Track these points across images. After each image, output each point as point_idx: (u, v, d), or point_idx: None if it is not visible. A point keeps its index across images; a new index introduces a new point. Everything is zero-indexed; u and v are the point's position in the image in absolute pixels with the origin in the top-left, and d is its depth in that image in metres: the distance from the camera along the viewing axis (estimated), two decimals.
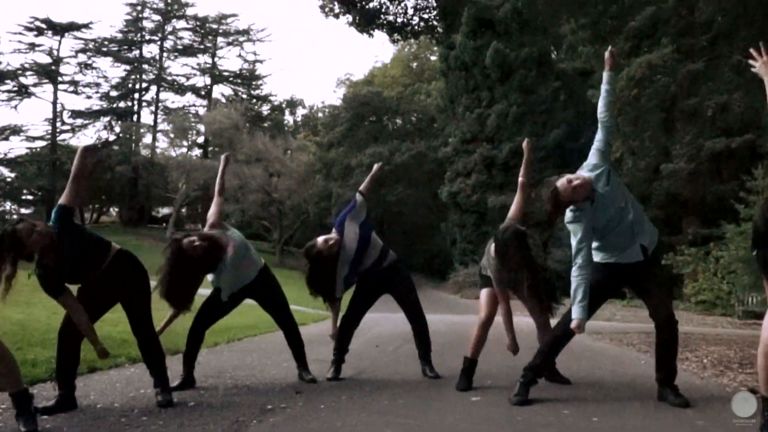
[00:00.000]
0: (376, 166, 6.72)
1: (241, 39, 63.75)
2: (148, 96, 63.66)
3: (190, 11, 62.93)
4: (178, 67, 76.11)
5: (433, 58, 57.91)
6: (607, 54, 5.20)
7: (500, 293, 5.51)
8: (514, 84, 37.39)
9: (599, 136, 5.10)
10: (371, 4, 16.65)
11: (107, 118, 59.94)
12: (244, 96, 64.33)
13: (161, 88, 63.41)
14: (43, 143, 56.50)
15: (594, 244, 5.00)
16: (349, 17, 17.02)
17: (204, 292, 5.86)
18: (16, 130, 54.31)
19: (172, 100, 70.87)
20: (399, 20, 16.92)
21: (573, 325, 4.82)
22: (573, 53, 30.44)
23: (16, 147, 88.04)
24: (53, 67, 56.74)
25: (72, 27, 56.46)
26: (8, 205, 53.60)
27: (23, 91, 55.73)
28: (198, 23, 63.00)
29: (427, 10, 17.02)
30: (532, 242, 5.42)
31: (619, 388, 5.72)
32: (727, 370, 6.80)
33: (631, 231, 4.95)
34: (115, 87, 61.18)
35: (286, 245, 50.43)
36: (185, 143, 59.88)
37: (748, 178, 20.21)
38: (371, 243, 6.19)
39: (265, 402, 4.97)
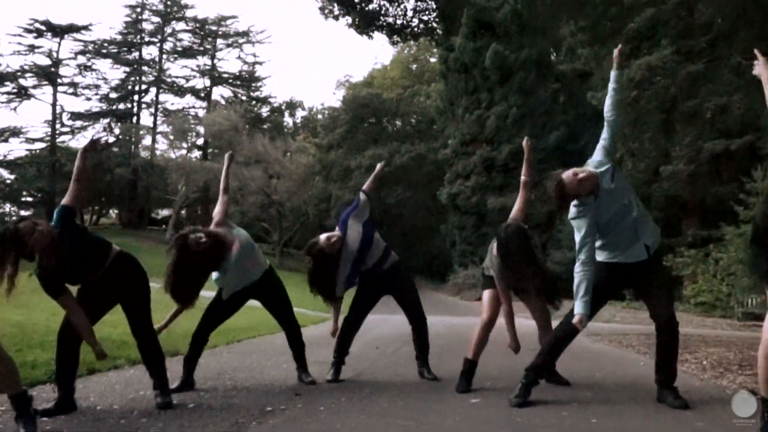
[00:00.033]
0: (378, 166, 6.75)
1: (241, 41, 63.73)
2: (148, 98, 63.67)
3: (189, 13, 62.96)
4: (177, 69, 75.89)
5: (432, 59, 57.95)
6: (615, 52, 5.21)
7: (502, 292, 5.51)
8: (514, 86, 37.43)
9: (605, 134, 5.10)
10: (371, 6, 16.64)
11: (107, 120, 59.89)
12: (244, 98, 64.28)
13: (161, 90, 63.37)
14: (42, 145, 56.46)
15: (597, 243, 4.99)
16: (349, 19, 17.01)
17: (208, 294, 5.87)
18: (15, 132, 54.32)
19: (171, 101, 71.07)
20: (398, 22, 16.91)
21: (575, 320, 4.81)
22: (572, 55, 30.45)
23: (16, 149, 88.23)
24: (53, 69, 56.70)
25: (71, 29, 56.42)
26: (8, 207, 53.60)
27: (23, 93, 55.70)
28: (197, 25, 62.96)
29: (427, 12, 17.01)
30: (533, 242, 5.42)
31: (618, 390, 5.72)
32: (726, 372, 6.80)
33: (635, 229, 4.94)
34: (115, 89, 61.15)
35: (286, 247, 50.44)
36: (185, 145, 59.90)
37: (747, 179, 20.22)
38: (374, 242, 6.20)
39: (264, 404, 4.97)
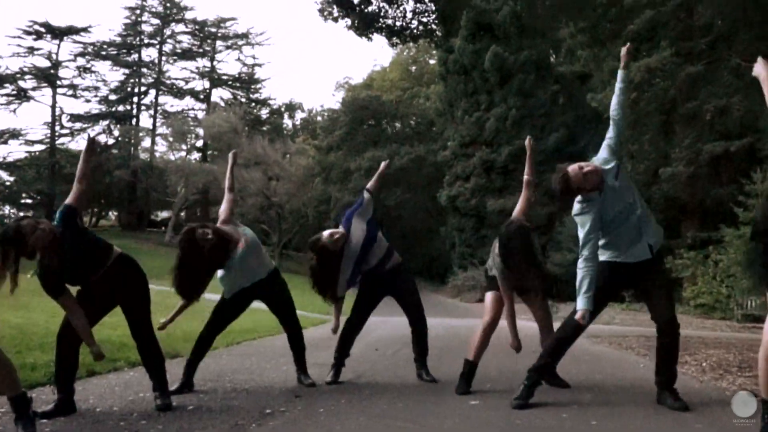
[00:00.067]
0: (383, 164, 6.73)
1: (240, 43, 63.79)
2: (147, 100, 63.74)
3: (188, 15, 63.09)
4: (177, 71, 76.45)
5: (432, 61, 57.98)
6: (623, 51, 5.21)
7: (504, 290, 5.49)
8: (513, 88, 37.41)
9: (610, 132, 5.12)
10: (370, 8, 16.65)
11: (106, 122, 59.93)
12: (243, 100, 64.35)
13: (160, 92, 63.45)
14: (42, 147, 56.50)
15: (600, 242, 4.98)
16: (348, 21, 17.03)
17: (213, 297, 5.87)
18: (15, 134, 54.38)
19: (171, 103, 71.20)
20: (398, 24, 16.93)
21: (578, 315, 4.81)
22: (572, 57, 30.51)
23: (15, 151, 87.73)
24: (52, 71, 56.73)
25: (71, 31, 56.47)
26: (7, 209, 53.63)
27: (22, 95, 55.73)
28: (197, 27, 63.00)
29: (426, 14, 17.02)
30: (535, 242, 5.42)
31: (618, 392, 5.72)
32: (726, 374, 6.79)
33: (639, 228, 4.94)
34: (114, 91, 61.21)
35: (285, 249, 50.45)
36: (184, 147, 60.00)
37: (747, 181, 20.22)
38: (377, 241, 6.20)
39: (264, 406, 4.96)
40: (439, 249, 45.39)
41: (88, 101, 60.78)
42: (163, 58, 63.08)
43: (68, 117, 58.28)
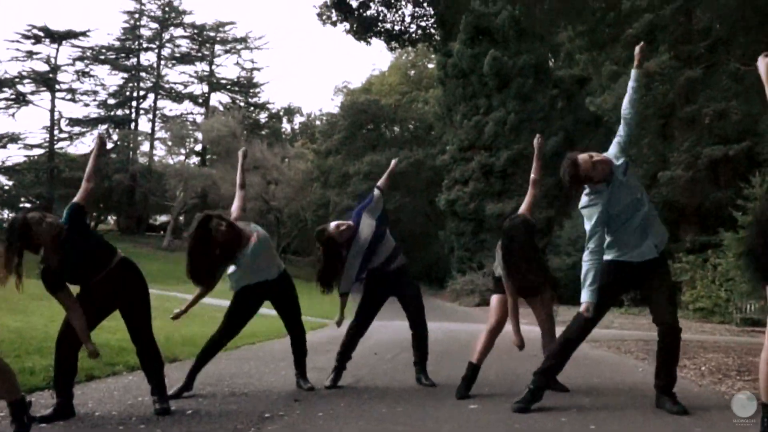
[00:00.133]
0: (393, 162, 6.74)
1: (239, 47, 63.89)
2: (146, 104, 63.88)
3: (187, 19, 63.19)
4: (175, 75, 76.54)
5: (430, 65, 57.96)
6: (636, 50, 5.22)
7: (509, 288, 5.48)
8: (512, 92, 37.41)
9: (621, 131, 5.15)
10: (369, 12, 16.64)
11: (105, 126, 59.94)
12: (242, 104, 64.45)
13: (159, 96, 63.53)
14: (40, 151, 56.58)
15: (606, 239, 4.98)
16: (347, 25, 17.01)
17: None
18: (13, 138, 54.41)
19: (169, 108, 71.46)
20: (396, 28, 16.91)
21: (582, 308, 4.81)
22: (570, 61, 30.57)
23: (14, 155, 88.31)
24: (51, 75, 56.78)
25: (69, 35, 56.52)
26: (6, 213, 53.59)
27: (21, 99, 55.76)
28: (195, 31, 63.10)
29: (425, 18, 17.01)
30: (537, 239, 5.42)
31: (617, 396, 5.71)
32: (725, 378, 6.79)
33: (644, 226, 4.94)
34: (113, 95, 61.31)
35: (284, 253, 50.42)
36: (183, 151, 60.03)
37: (745, 185, 20.22)
38: (385, 238, 6.22)
39: (263, 410, 4.96)
40: (438, 253, 45.36)
41: (86, 105, 60.85)
42: (162, 62, 63.22)
43: (67, 121, 58.43)
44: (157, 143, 61.68)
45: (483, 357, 5.73)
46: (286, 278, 6.03)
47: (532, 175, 5.99)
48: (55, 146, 56.89)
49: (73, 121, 58.63)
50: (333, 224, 6.12)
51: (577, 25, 16.75)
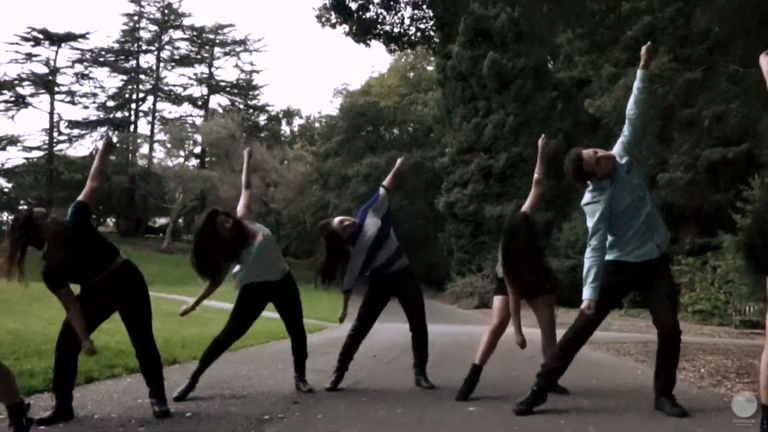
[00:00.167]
0: (399, 161, 6.72)
1: (238, 49, 63.88)
2: (145, 106, 63.83)
3: (186, 21, 63.16)
4: (174, 77, 76.36)
5: (429, 68, 57.88)
6: (643, 50, 5.20)
7: (509, 285, 5.47)
8: (511, 94, 37.36)
9: (626, 131, 5.13)
10: (368, 14, 16.61)
11: (104, 129, 59.91)
12: (241, 106, 64.38)
13: (158, 98, 63.51)
14: (39, 153, 56.62)
15: (608, 239, 4.98)
16: (346, 27, 16.98)
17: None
18: (13, 141, 54.42)
19: (168, 110, 71.12)
20: (396, 30, 16.88)
21: (584, 305, 4.81)
22: (570, 63, 30.51)
23: (13, 157, 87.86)
24: (50, 78, 56.82)
25: (69, 37, 56.56)
26: (5, 216, 53.61)
27: (20, 102, 55.80)
28: (195, 33, 63.09)
29: (424, 20, 16.98)
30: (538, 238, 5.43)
31: (616, 398, 5.71)
32: (724, 380, 6.79)
33: (647, 226, 4.95)
34: (112, 97, 61.30)
35: (283, 255, 50.26)
36: (182, 153, 60.00)
37: (744, 187, 20.21)
38: (389, 239, 6.23)
39: (262, 412, 4.96)
40: (437, 255, 45.28)
41: (86, 108, 61.01)
42: (161, 64, 63.24)
43: (66, 123, 58.51)
44: (156, 145, 61.75)
45: (485, 358, 5.73)
46: (290, 280, 6.03)
47: (536, 175, 5.99)
48: (55, 148, 56.92)
49: (72, 124, 58.74)
50: (337, 219, 6.15)
51: (577, 27, 16.72)
